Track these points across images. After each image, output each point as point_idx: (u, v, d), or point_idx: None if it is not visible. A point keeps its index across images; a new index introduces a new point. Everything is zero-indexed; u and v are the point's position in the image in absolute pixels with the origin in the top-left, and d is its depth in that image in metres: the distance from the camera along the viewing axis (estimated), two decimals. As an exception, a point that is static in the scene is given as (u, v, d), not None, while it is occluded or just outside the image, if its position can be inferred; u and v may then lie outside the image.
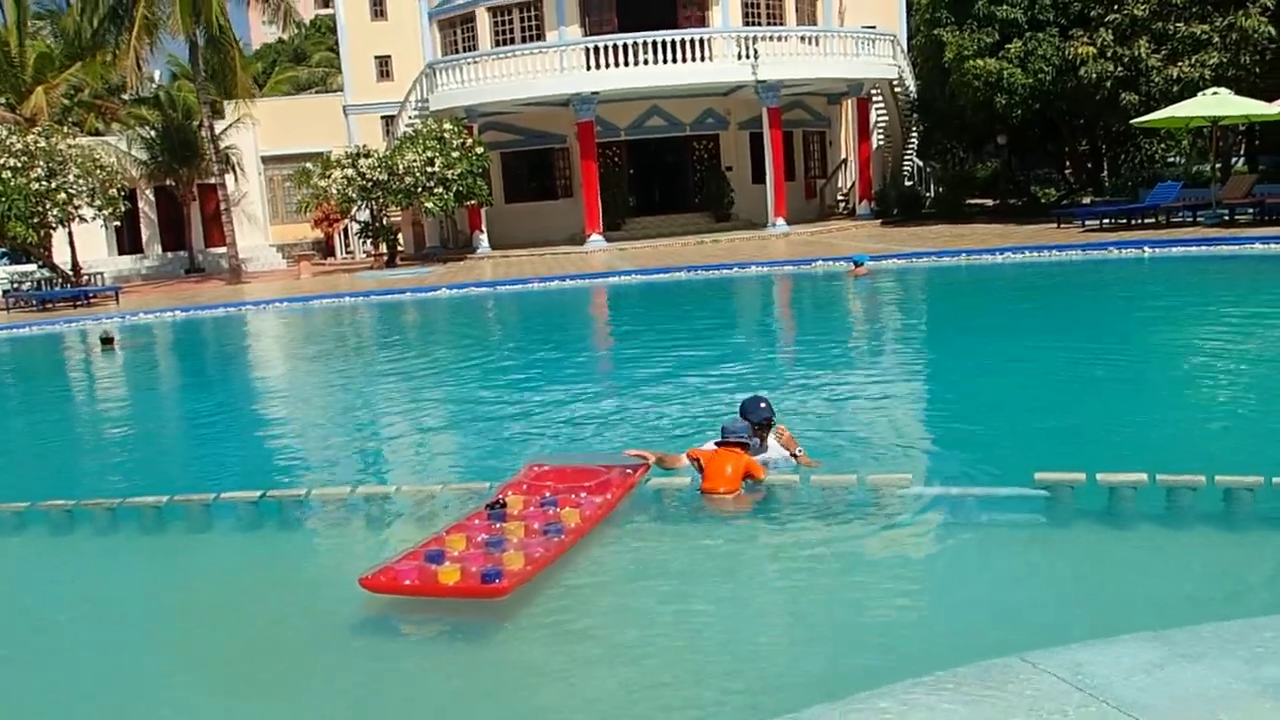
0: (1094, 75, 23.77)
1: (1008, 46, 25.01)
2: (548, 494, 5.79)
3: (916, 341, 12.53)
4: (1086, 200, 29.16)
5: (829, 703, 3.19)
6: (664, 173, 33.89)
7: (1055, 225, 23.83)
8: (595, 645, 4.47)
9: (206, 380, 14.28)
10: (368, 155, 28.63)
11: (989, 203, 32.65)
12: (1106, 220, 22.87)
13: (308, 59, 56.35)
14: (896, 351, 11.81)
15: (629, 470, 6.15)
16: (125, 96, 39.29)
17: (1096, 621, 4.25)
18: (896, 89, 32.45)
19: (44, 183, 25.70)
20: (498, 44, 31.71)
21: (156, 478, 7.98)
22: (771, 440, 6.42)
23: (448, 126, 28.50)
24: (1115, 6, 24.02)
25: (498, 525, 5.39)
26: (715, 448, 6.12)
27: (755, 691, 3.96)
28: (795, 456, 6.37)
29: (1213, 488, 5.29)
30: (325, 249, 36.24)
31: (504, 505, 5.64)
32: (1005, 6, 25.11)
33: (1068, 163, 34.75)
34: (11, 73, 32.97)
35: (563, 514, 5.44)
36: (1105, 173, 33.52)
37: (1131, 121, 23.50)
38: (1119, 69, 23.69)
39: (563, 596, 4.92)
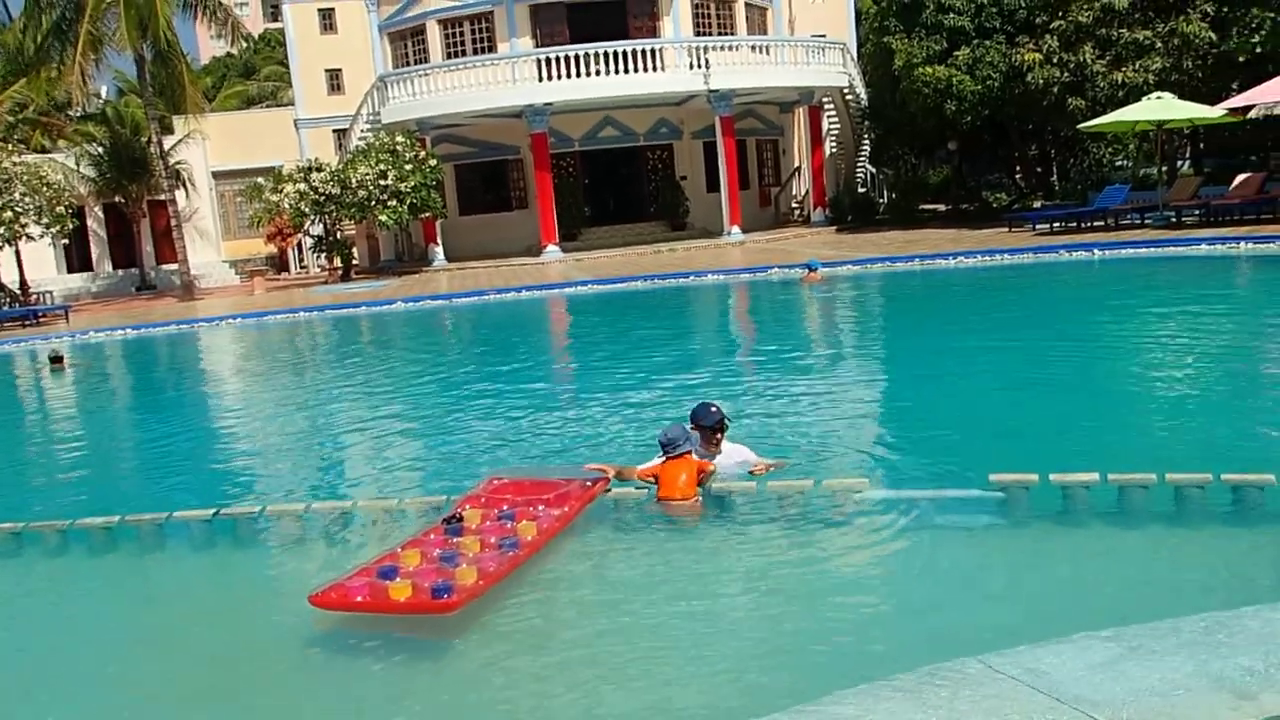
0: (1041, 81, 24.15)
1: (956, 54, 25.35)
2: (505, 507, 5.74)
3: (871, 345, 12.64)
4: (1037, 204, 29.61)
5: (788, 709, 3.19)
6: (619, 183, 33.97)
7: (1007, 229, 24.16)
8: (551, 657, 4.45)
9: (158, 399, 14.06)
10: (320, 169, 28.41)
11: (941, 208, 33.05)
12: (1057, 224, 23.23)
13: (257, 73, 55.83)
14: (851, 356, 11.90)
15: (588, 483, 6.13)
16: (72, 113, 38.66)
17: (1052, 621, 4.28)
18: (848, 97, 32.81)
19: (-12, 201, 25.25)
20: (449, 56, 31.63)
21: (108, 498, 7.82)
22: (726, 446, 6.43)
23: (400, 139, 28.35)
24: (1060, 13, 24.43)
25: (454, 540, 5.33)
26: (663, 460, 6.11)
27: (713, 698, 3.96)
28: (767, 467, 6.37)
29: (1164, 486, 5.36)
30: (279, 264, 35.86)
31: (461, 519, 5.59)
32: (952, 15, 25.45)
33: (1018, 167, 35.27)
34: (-48, 90, 32.32)
35: (519, 528, 5.40)
36: (1055, 177, 34.06)
37: (1078, 126, 23.89)
38: (1065, 75, 24.09)
39: (519, 610, 4.88)
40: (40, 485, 8.73)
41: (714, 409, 6.43)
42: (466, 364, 14.31)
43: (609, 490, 6.15)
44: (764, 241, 28.50)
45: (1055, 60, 24.17)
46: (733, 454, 6.42)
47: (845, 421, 8.10)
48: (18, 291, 27.99)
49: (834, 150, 34.83)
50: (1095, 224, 22.68)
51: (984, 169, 37.71)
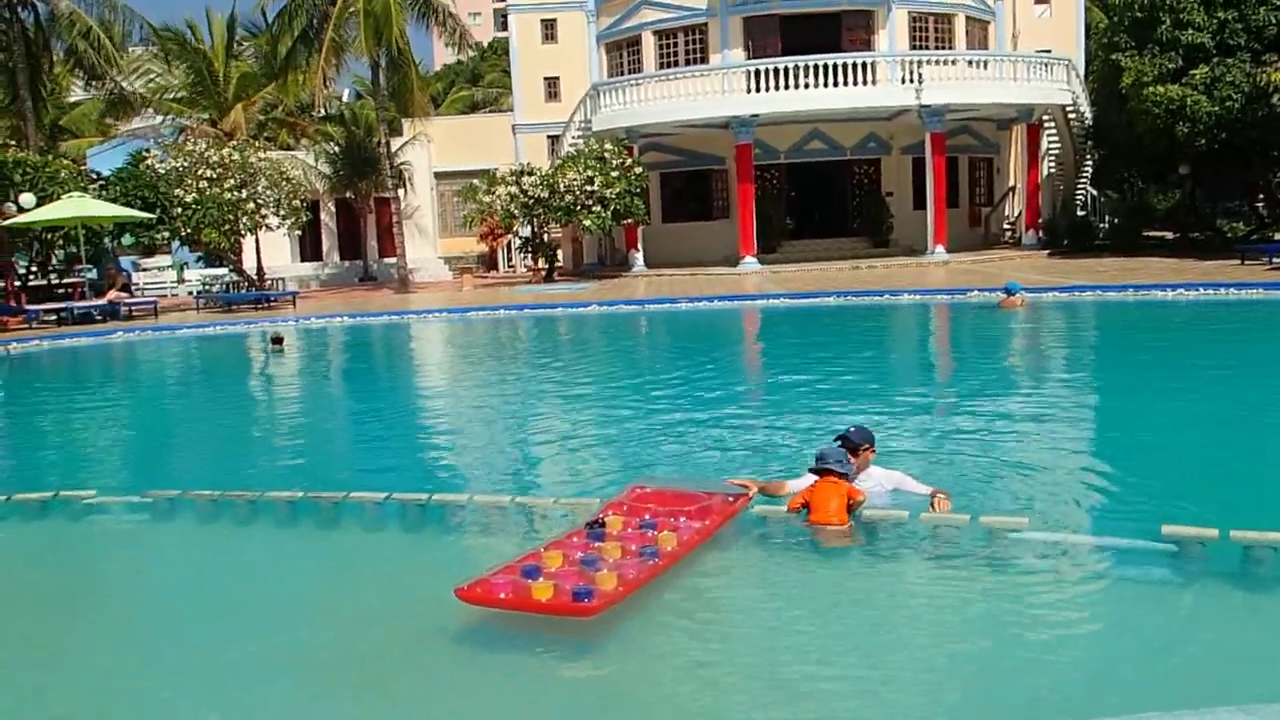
0: (1288, 104, 22.28)
1: (1192, 72, 23.72)
2: (647, 516, 5.83)
3: (1058, 378, 11.95)
4: (1278, 236, 27.30)
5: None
6: (823, 196, 33.60)
7: (1239, 262, 22.40)
8: (681, 669, 4.48)
9: (358, 384, 14.99)
10: (530, 173, 29.51)
11: (1169, 236, 30.98)
12: (1296, 258, 21.37)
13: (483, 79, 58.51)
14: (1034, 387, 11.29)
15: (730, 499, 6.14)
16: (315, 114, 41.71)
17: (1196, 690, 4.02)
18: (1070, 115, 31.25)
19: (236, 193, 27.58)
20: (662, 66, 32.18)
21: (297, 472, 8.43)
22: (875, 471, 6.29)
23: (608, 146, 29.07)
24: (1316, 30, 22.49)
25: (595, 544, 5.44)
26: (813, 478, 6.03)
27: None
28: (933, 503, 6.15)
29: (1359, 554, 4.88)
30: (489, 262, 37.48)
31: (604, 525, 5.70)
32: (1191, 30, 23.84)
33: (1260, 195, 32.57)
34: (214, 91, 35.52)
35: (660, 537, 5.46)
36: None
37: (1329, 154, 21.91)
38: (1318, 97, 22.14)
39: (655, 620, 4.93)
40: (241, 455, 9.47)
41: (855, 429, 6.33)
42: (647, 370, 14.53)
43: (751, 507, 6.13)
44: (969, 262, 27.52)
45: (1307, 81, 22.24)
46: (881, 479, 6.28)
47: (1017, 457, 7.74)
48: (254, 277, 30.42)
49: (1052, 170, 33.25)
50: (1342, 261, 20.72)
51: (1223, 196, 35.01)
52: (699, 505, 5.93)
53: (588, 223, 28.96)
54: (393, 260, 34.03)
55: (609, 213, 28.66)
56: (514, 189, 29.22)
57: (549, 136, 35.68)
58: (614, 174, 28.45)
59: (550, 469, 8.34)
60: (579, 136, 31.43)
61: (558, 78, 36.24)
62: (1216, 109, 23.32)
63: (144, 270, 37.50)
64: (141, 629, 5.36)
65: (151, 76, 35.34)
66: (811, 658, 4.48)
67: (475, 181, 31.47)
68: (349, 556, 6.38)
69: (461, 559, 6.08)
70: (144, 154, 28.92)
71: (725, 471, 7.20)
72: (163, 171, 27.41)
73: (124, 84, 31.00)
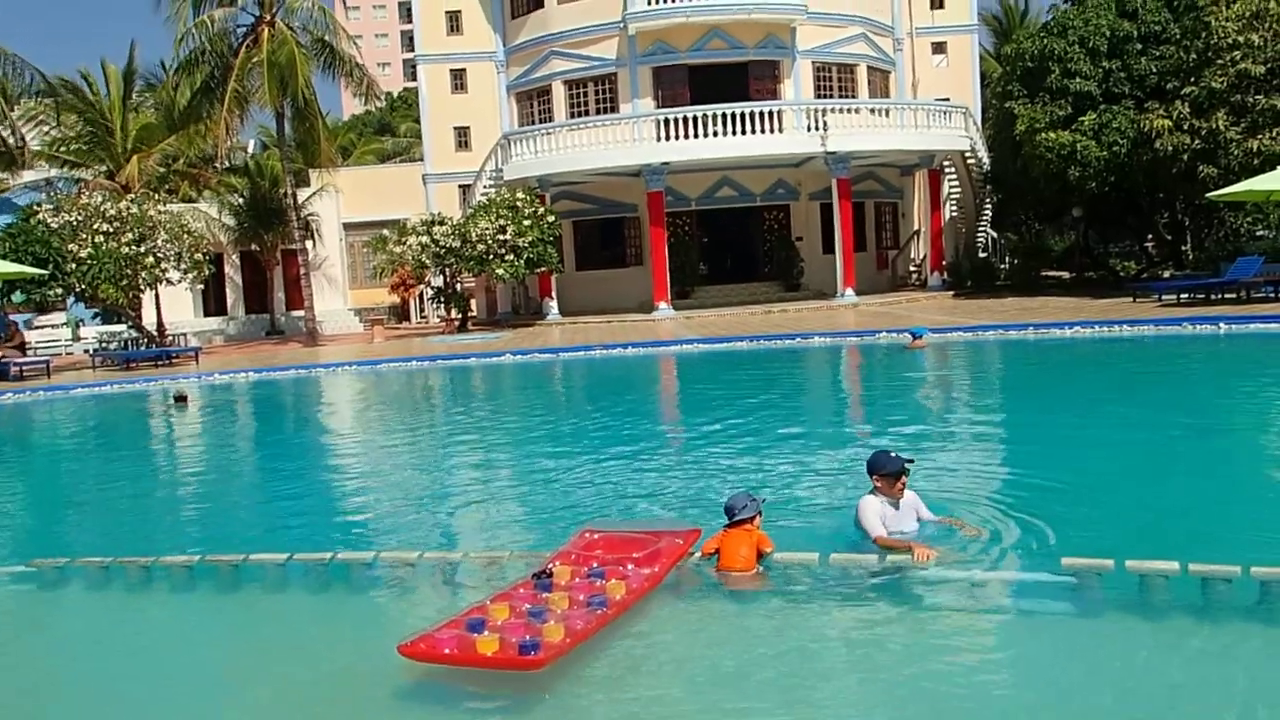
0: (1170, 148, 23.34)
1: (1081, 119, 24.75)
2: (595, 564, 5.72)
3: (960, 417, 12.19)
4: (1166, 274, 28.50)
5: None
6: (734, 242, 34.11)
7: (1131, 299, 23.29)
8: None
9: (263, 442, 14.59)
10: (442, 223, 29.36)
11: (1065, 275, 32.11)
12: (1184, 295, 22.29)
13: (394, 129, 58.27)
14: (936, 428, 11.49)
15: (679, 539, 6.10)
16: (218, 165, 40.97)
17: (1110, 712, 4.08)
18: (969, 161, 32.33)
19: (134, 247, 26.83)
20: (572, 115, 32.45)
21: (197, 536, 8.12)
22: (909, 497, 6.33)
23: (520, 195, 29.10)
24: (1192, 79, 23.66)
25: (543, 595, 5.32)
26: (724, 529, 6.04)
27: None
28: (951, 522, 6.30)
29: (1248, 580, 5.01)
30: (401, 313, 37.06)
31: (551, 575, 5.59)
32: (1079, 80, 24.91)
33: (1149, 236, 34.03)
34: (110, 143, 34.67)
35: (608, 586, 5.35)
36: (1188, 246, 32.74)
37: (1207, 195, 22.95)
38: (1196, 141, 23.24)
39: (604, 670, 4.83)
40: (137, 519, 9.08)
41: (894, 455, 6.35)
42: (563, 419, 14.44)
43: (693, 552, 6.06)
44: (877, 305, 28.11)
45: (1186, 127, 23.35)
46: (911, 502, 6.34)
47: (924, 495, 7.83)
48: (155, 333, 29.55)
49: (954, 214, 34.29)
50: (1226, 296, 21.67)
51: (1114, 236, 36.48)
52: (648, 550, 5.85)
53: (501, 271, 28.88)
54: (301, 313, 33.44)
55: (522, 261, 28.64)
56: (425, 239, 29.03)
57: (460, 186, 35.62)
58: (526, 222, 28.48)
59: (463, 522, 8.17)
60: (490, 185, 31.44)
61: (468, 127, 36.27)
62: (1105, 153, 24.32)
63: (37, 328, 36.19)
64: (28, 714, 5.04)
65: (45, 129, 34.36)
66: (757, 708, 4.42)
67: (385, 232, 31.23)
68: (254, 622, 6.11)
69: (372, 618, 5.91)
70: (35, 208, 27.93)
71: (638, 514, 7.16)
72: (55, 226, 26.53)
73: (10, 138, 29.98)
